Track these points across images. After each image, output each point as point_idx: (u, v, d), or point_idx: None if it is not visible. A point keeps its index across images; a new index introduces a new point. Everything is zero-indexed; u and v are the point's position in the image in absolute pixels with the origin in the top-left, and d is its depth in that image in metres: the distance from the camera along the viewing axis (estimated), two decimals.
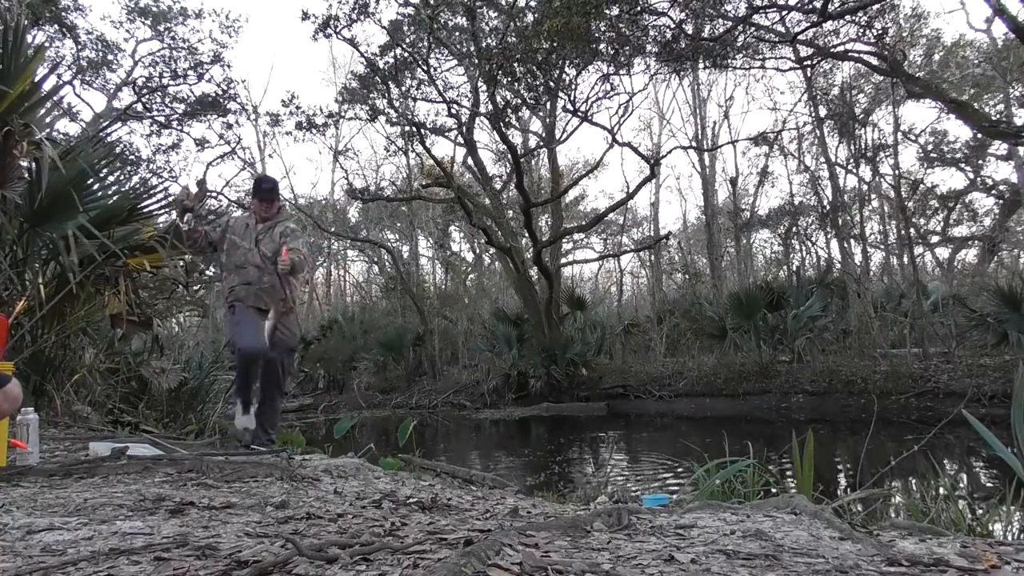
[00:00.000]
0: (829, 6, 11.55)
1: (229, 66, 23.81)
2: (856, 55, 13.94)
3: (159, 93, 18.01)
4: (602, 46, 13.12)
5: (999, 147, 19.09)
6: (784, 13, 12.63)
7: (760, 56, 14.74)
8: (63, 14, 15.52)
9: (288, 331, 4.07)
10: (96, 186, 4.64)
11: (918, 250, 20.39)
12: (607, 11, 12.20)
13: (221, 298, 4.17)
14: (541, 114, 18.86)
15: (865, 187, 19.98)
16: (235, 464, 2.68)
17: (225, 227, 4.09)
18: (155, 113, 18.21)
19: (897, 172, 16.95)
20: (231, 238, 4.02)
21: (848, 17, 12.45)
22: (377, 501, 2.18)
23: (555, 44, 12.50)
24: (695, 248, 25.97)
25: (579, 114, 15.37)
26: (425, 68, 15.23)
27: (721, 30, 12.93)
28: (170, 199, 4.74)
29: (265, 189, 4.10)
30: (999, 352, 11.83)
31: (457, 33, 16.06)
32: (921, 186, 21.40)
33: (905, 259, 17.87)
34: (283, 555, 1.29)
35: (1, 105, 3.92)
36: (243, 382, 3.90)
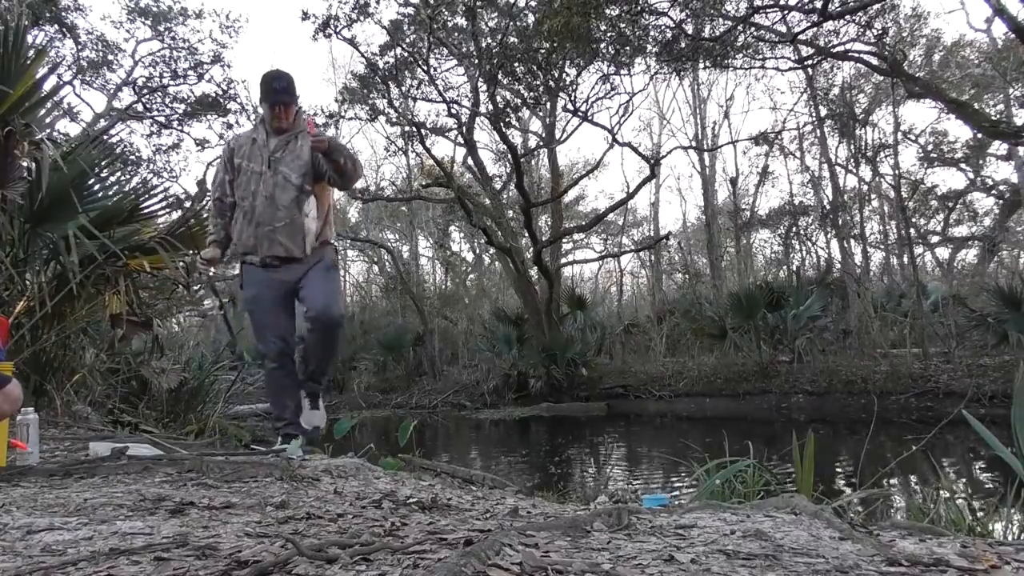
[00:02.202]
0: (829, 6, 11.55)
1: (229, 66, 23.82)
2: (856, 55, 13.94)
3: (159, 93, 18.02)
4: (602, 46, 13.12)
5: (999, 147, 19.09)
6: (784, 13, 12.63)
7: (760, 56, 14.74)
8: (63, 14, 15.52)
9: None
10: (96, 186, 4.64)
11: (918, 250, 20.41)
12: (607, 11, 12.20)
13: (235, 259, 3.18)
14: (541, 114, 18.87)
15: (865, 187, 20.00)
16: (235, 464, 2.69)
17: (228, 155, 3.05)
18: (155, 113, 18.21)
19: (897, 172, 16.95)
20: (238, 163, 3.00)
21: (848, 17, 12.45)
22: (377, 501, 2.18)
23: (555, 44, 12.51)
24: (695, 248, 25.97)
25: (579, 114, 15.38)
26: (425, 68, 15.23)
27: (721, 30, 12.94)
28: (171, 201, 4.73)
29: (278, 89, 2.91)
30: (999, 352, 11.83)
31: (457, 33, 16.06)
32: (921, 186, 21.40)
33: (905, 259, 17.88)
34: (283, 555, 1.29)
35: (2, 105, 3.92)
36: (277, 394, 3.04)
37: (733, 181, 21.98)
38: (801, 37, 13.20)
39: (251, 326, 3.07)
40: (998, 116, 16.32)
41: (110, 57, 17.22)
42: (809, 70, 16.41)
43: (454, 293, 24.50)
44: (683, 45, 12.81)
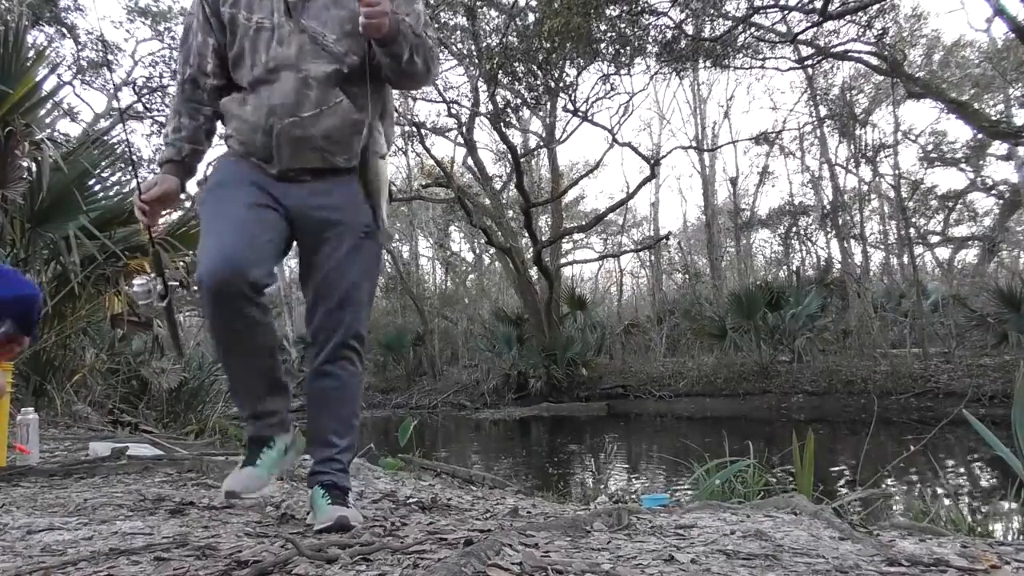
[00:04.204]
0: (829, 6, 11.57)
1: None
2: (856, 55, 13.97)
3: (159, 93, 18.01)
4: (602, 46, 13.13)
5: (999, 147, 19.09)
6: (784, 13, 12.64)
7: (760, 56, 14.75)
8: (63, 14, 15.53)
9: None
10: (97, 187, 4.65)
11: (918, 250, 20.42)
12: (607, 11, 12.21)
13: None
14: (541, 114, 18.86)
15: (865, 187, 20.00)
16: (235, 464, 2.69)
17: (204, 7, 1.72)
18: (155, 113, 18.21)
19: (897, 172, 16.97)
20: (228, 14, 1.70)
21: (848, 17, 12.46)
22: (377, 501, 2.18)
23: (555, 44, 12.51)
24: (695, 248, 25.97)
25: (579, 114, 15.39)
26: None
27: (721, 30, 12.95)
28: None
29: None
30: (999, 352, 11.83)
31: (458, 32, 16.06)
32: (921, 186, 21.42)
33: (905, 259, 17.89)
34: (283, 555, 1.29)
35: (3, 106, 3.92)
36: (234, 371, 1.69)
37: (733, 181, 22.01)
38: (801, 37, 13.22)
39: (205, 230, 1.66)
40: (998, 116, 16.32)
41: (110, 57, 17.22)
42: (809, 70, 16.42)
43: (454, 293, 24.52)
44: (683, 45, 12.82)
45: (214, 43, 1.72)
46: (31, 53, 4.23)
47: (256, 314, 1.58)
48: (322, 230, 1.72)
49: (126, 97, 17.98)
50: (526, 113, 18.67)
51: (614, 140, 16.04)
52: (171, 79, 17.65)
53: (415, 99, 17.02)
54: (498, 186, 19.84)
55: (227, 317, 1.57)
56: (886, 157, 19.19)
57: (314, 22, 1.66)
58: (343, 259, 1.72)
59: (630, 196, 18.24)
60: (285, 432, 1.75)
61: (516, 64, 13.49)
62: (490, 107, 14.97)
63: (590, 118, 15.49)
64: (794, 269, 20.34)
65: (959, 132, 21.01)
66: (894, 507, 4.19)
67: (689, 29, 12.89)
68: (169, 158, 1.76)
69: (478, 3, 14.79)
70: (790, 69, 16.47)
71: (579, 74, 14.54)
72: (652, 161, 17.32)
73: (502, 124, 15.39)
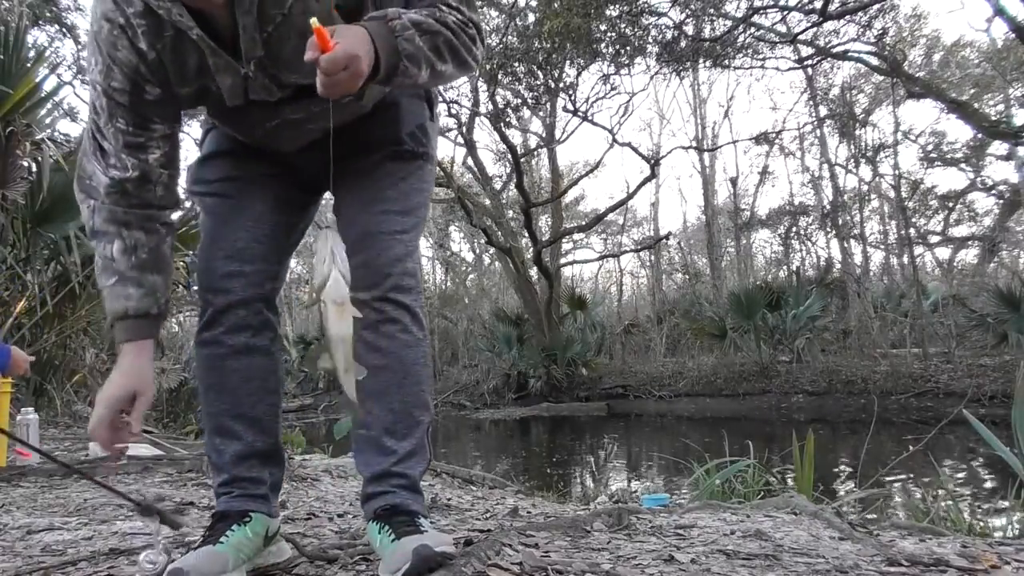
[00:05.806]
0: (829, 6, 11.57)
1: None
2: (856, 55, 13.97)
3: None
4: (602, 46, 13.14)
5: (999, 147, 19.10)
6: (784, 13, 12.65)
7: (760, 56, 14.76)
8: (63, 14, 15.53)
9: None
10: None
11: (918, 250, 20.42)
12: (607, 11, 12.22)
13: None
14: (541, 114, 18.87)
15: (865, 187, 20.02)
16: None
17: (123, 82, 1.07)
18: None
19: (897, 172, 16.98)
20: (154, 99, 1.10)
21: (848, 17, 12.47)
22: None
23: (555, 44, 12.52)
24: (695, 248, 25.97)
25: (579, 114, 15.39)
26: None
27: (721, 30, 12.95)
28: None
29: None
30: (999, 352, 11.83)
31: None
32: (921, 186, 21.43)
33: (905, 259, 17.89)
34: None
35: (4, 106, 3.92)
36: (217, 403, 1.26)
37: (733, 181, 22.02)
38: (801, 37, 13.22)
39: (204, 229, 1.30)
40: (998, 116, 16.33)
41: None
42: (809, 70, 16.44)
43: (454, 293, 24.52)
44: (683, 45, 12.83)
45: (161, 129, 1.15)
46: (31, 53, 4.23)
47: (261, 334, 1.25)
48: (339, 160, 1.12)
49: None
50: (526, 113, 18.66)
51: (614, 140, 16.05)
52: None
53: None
54: (498, 186, 19.84)
55: (225, 336, 1.22)
56: (886, 157, 19.22)
57: (295, 76, 1.11)
58: (369, 177, 1.28)
59: (630, 196, 18.24)
60: (268, 513, 1.24)
61: (516, 64, 13.49)
62: (490, 107, 14.97)
63: (590, 118, 15.50)
64: (794, 269, 20.35)
65: (959, 132, 21.10)
66: (894, 507, 4.19)
67: (689, 29, 12.91)
68: (144, 310, 1.15)
69: (478, 3, 14.78)
70: (790, 69, 16.48)
71: (579, 74, 14.55)
72: (652, 161, 17.31)
73: (502, 124, 15.39)
